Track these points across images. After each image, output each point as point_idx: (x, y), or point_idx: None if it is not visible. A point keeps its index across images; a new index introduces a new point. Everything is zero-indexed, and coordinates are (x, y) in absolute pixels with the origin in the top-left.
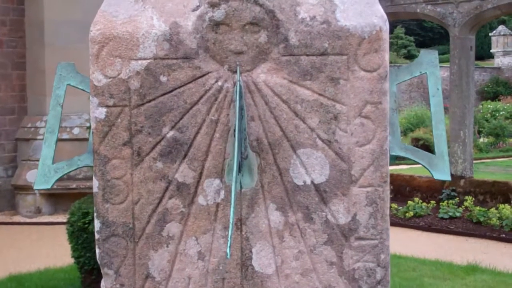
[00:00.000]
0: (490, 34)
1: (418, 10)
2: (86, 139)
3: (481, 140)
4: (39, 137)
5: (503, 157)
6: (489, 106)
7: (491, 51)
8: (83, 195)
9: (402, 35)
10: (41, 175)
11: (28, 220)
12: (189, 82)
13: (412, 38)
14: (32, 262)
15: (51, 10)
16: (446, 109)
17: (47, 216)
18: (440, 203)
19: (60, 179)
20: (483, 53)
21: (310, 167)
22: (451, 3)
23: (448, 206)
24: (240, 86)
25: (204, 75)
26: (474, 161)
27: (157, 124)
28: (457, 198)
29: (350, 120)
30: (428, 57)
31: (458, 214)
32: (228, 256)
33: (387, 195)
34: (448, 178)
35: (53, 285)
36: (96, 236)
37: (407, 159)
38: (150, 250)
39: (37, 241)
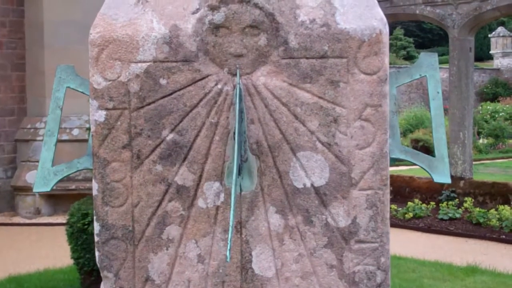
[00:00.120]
0: (489, 35)
1: (417, 12)
2: (86, 140)
3: (481, 141)
4: (38, 138)
5: (502, 158)
6: (488, 107)
7: (490, 52)
8: (83, 196)
9: (401, 36)
10: (41, 177)
11: (27, 221)
12: (188, 85)
13: (411, 40)
14: (32, 263)
15: (51, 11)
16: (445, 110)
17: (47, 217)
18: (440, 204)
19: (60, 180)
20: (482, 54)
21: (310, 170)
22: (450, 4)
23: (448, 207)
24: (240, 89)
25: (203, 78)
26: (474, 162)
27: (156, 127)
28: (457, 199)
29: (350, 123)
30: (428, 60)
31: (457, 215)
32: (228, 259)
33: (387, 198)
34: (448, 181)
35: (53, 286)
36: (96, 239)
37: (407, 160)
38: (149, 253)
39: (37, 242)
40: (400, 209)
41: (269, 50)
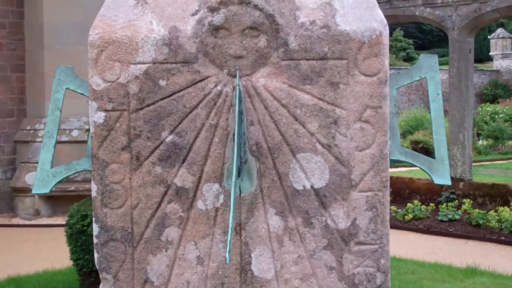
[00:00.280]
0: (489, 37)
1: (417, 13)
2: (85, 142)
3: (480, 142)
4: (38, 139)
5: (502, 159)
6: (488, 108)
7: (490, 53)
8: (82, 197)
9: (401, 37)
10: (40, 179)
11: (27, 222)
12: (188, 87)
13: (411, 41)
14: (31, 264)
15: (51, 12)
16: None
17: (46, 218)
18: (439, 206)
19: (59, 182)
20: (482, 55)
21: (310, 172)
22: (450, 6)
23: (447, 209)
24: (240, 91)
25: (203, 79)
26: (473, 164)
27: (156, 128)
28: (456, 201)
29: (350, 124)
30: (428, 61)
31: (457, 217)
32: (227, 261)
33: (387, 200)
34: (448, 182)
35: (52, 287)
36: (95, 240)
37: (407, 162)
38: (148, 255)
39: (36, 243)
40: (399, 210)
41: (269, 52)
